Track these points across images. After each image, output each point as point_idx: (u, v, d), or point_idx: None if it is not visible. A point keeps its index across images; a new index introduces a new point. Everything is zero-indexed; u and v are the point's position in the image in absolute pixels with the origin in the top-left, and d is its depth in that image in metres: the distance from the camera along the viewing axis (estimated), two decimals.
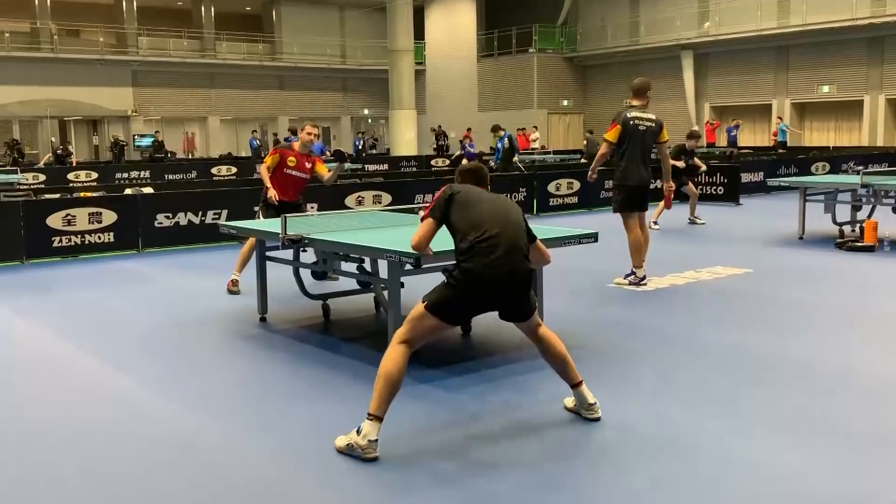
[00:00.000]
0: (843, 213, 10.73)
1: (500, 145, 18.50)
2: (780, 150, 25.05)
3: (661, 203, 10.21)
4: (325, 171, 8.05)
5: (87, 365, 5.61)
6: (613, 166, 8.08)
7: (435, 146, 31.67)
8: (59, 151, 25.92)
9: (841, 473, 3.63)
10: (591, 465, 3.82)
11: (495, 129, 19.15)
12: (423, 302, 3.98)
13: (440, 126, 32.85)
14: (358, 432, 3.84)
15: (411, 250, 4.94)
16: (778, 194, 16.61)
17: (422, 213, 4.35)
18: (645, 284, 7.79)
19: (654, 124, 7.78)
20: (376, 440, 3.80)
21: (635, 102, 7.84)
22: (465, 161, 20.04)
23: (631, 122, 7.65)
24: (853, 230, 10.58)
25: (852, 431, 4.12)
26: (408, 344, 3.94)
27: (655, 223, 11.69)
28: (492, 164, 18.64)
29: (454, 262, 4.09)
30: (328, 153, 20.30)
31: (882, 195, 10.18)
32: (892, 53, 26.90)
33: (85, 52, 33.07)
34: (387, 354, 3.93)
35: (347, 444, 3.86)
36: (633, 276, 7.84)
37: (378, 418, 3.83)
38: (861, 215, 10.62)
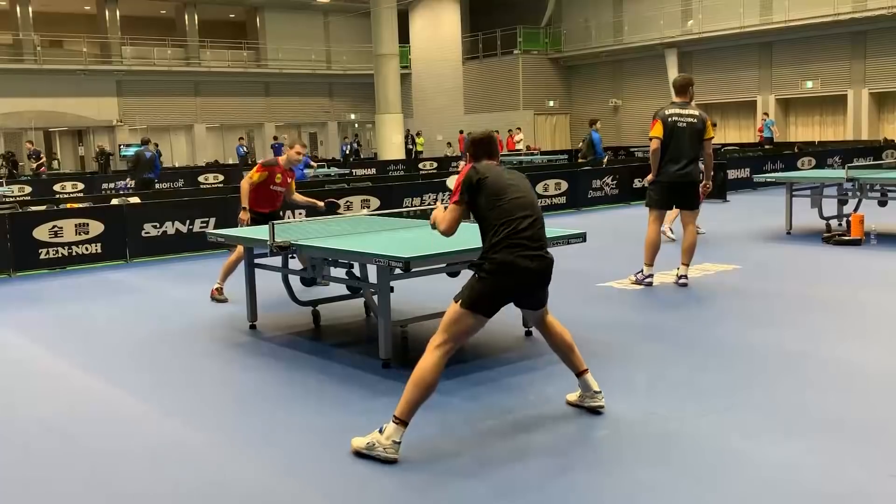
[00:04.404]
0: (830, 207, 10.79)
1: (596, 137, 18.96)
2: (767, 146, 25.16)
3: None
4: (293, 188, 7.97)
5: (77, 377, 5.57)
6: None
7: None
8: (31, 157, 25.81)
9: (833, 464, 3.65)
10: (587, 461, 3.82)
11: (592, 122, 19.69)
12: (457, 302, 3.97)
13: (409, 131, 32.89)
14: (381, 431, 3.83)
15: (401, 253, 4.97)
16: (764, 190, 16.71)
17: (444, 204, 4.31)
18: (650, 284, 7.68)
19: (696, 120, 7.49)
20: (399, 442, 3.81)
21: (677, 99, 7.63)
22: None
23: (669, 119, 7.46)
24: (840, 224, 10.64)
25: (844, 423, 4.14)
26: (446, 349, 3.93)
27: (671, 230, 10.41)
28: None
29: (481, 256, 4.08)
30: (313, 165, 20.28)
31: (867, 189, 10.24)
32: (874, 47, 27.09)
33: (69, 62, 32.94)
34: (423, 360, 3.91)
35: (368, 443, 3.84)
36: (640, 274, 7.78)
37: (404, 423, 3.83)
38: (847, 209, 10.68)
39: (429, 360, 3.89)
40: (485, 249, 4.03)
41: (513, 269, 3.95)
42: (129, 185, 18.54)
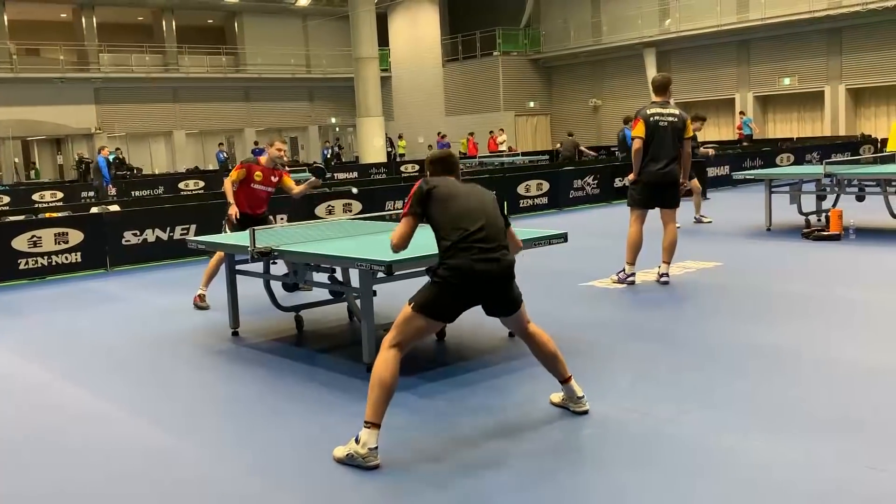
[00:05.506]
0: (809, 203, 10.87)
1: (627, 134, 19.19)
2: (745, 144, 25.34)
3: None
4: (292, 184, 7.92)
5: (59, 387, 5.52)
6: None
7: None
8: None
9: (817, 461, 3.67)
10: (572, 463, 3.83)
11: (626, 120, 20.05)
12: (410, 303, 3.98)
13: (386, 134, 32.91)
14: (356, 441, 3.83)
15: (383, 257, 4.96)
16: (744, 187, 16.82)
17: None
18: (632, 283, 7.70)
19: (676, 119, 7.53)
20: (376, 447, 3.80)
21: (657, 99, 7.67)
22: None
23: (651, 119, 7.49)
24: (819, 220, 10.72)
25: (827, 419, 4.16)
26: (398, 347, 3.94)
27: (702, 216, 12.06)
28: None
29: (437, 260, 4.08)
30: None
31: (845, 184, 10.33)
32: (850, 44, 27.35)
33: (46, 70, 32.68)
34: (378, 360, 3.92)
35: (347, 454, 3.84)
36: (621, 273, 7.79)
37: (375, 425, 3.83)
38: (826, 205, 10.77)
39: (382, 359, 3.91)
40: (440, 255, 4.05)
41: (469, 274, 3.94)
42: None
